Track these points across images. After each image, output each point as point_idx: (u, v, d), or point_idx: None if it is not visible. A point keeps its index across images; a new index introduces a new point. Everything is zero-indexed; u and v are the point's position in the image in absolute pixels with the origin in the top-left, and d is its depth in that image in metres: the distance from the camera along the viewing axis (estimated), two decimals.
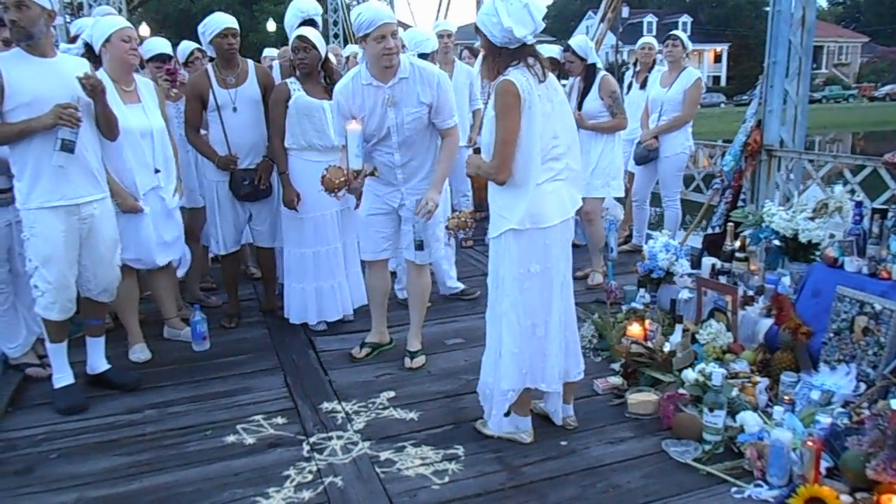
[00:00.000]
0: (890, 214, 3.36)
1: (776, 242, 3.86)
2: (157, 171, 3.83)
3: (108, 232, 3.44)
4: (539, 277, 2.82)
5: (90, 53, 3.79)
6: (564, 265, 2.91)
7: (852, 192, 4.63)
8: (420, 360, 3.83)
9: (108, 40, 3.62)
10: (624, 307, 4.20)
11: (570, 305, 2.98)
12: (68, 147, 3.13)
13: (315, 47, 4.02)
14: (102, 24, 3.70)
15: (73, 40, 4.23)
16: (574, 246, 5.63)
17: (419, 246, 3.61)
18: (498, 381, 2.92)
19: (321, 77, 4.15)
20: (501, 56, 2.73)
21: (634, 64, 6.32)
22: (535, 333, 2.86)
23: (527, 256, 2.80)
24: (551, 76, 2.84)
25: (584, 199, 4.94)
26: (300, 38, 4.02)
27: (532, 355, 2.87)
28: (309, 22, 4.45)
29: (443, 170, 3.59)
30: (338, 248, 4.26)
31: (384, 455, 2.92)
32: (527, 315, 2.84)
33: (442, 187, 3.62)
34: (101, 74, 3.64)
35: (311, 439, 3.07)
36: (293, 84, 4.09)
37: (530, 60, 2.74)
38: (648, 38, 6.26)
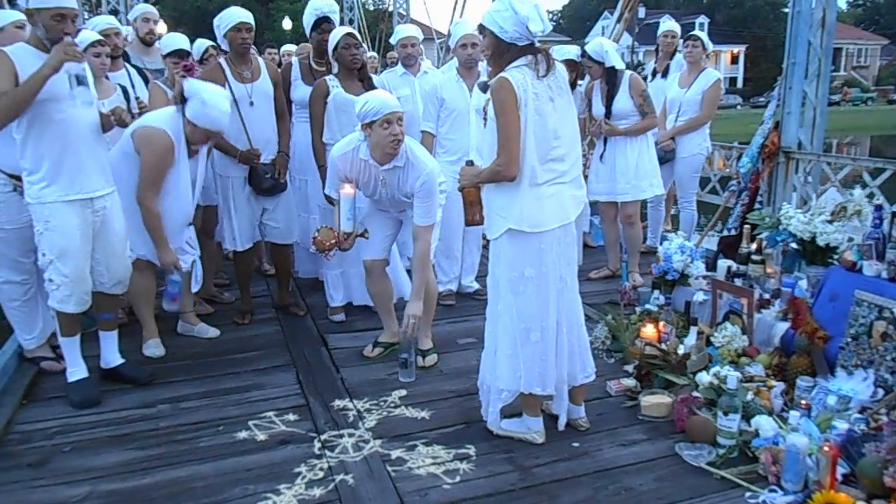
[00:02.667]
0: None
1: (793, 245, 3.82)
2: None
3: (119, 224, 3.47)
4: (534, 282, 2.80)
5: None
6: (566, 270, 2.88)
7: (871, 195, 4.57)
8: (432, 359, 3.83)
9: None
10: (638, 309, 4.17)
11: (573, 309, 2.95)
12: (83, 81, 3.19)
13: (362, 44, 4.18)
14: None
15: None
16: (587, 246, 5.66)
17: (403, 364, 3.61)
18: (494, 379, 2.93)
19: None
20: (509, 53, 2.71)
21: (656, 51, 6.27)
22: (530, 338, 2.84)
23: (521, 260, 2.78)
24: (560, 74, 2.80)
25: (628, 201, 4.99)
26: (350, 34, 4.21)
27: (526, 359, 2.85)
28: (324, 20, 4.48)
29: (420, 279, 3.61)
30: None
31: (395, 453, 2.92)
32: (520, 318, 2.82)
33: (422, 297, 3.64)
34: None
35: (323, 437, 3.07)
36: (332, 81, 4.20)
37: (538, 57, 2.72)
38: (671, 25, 6.17)
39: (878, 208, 3.47)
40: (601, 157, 5.04)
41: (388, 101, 3.42)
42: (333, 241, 3.59)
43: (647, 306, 4.11)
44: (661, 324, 3.77)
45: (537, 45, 2.75)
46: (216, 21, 4.24)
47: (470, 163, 2.97)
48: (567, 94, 2.84)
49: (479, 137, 4.23)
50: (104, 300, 3.53)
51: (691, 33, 5.80)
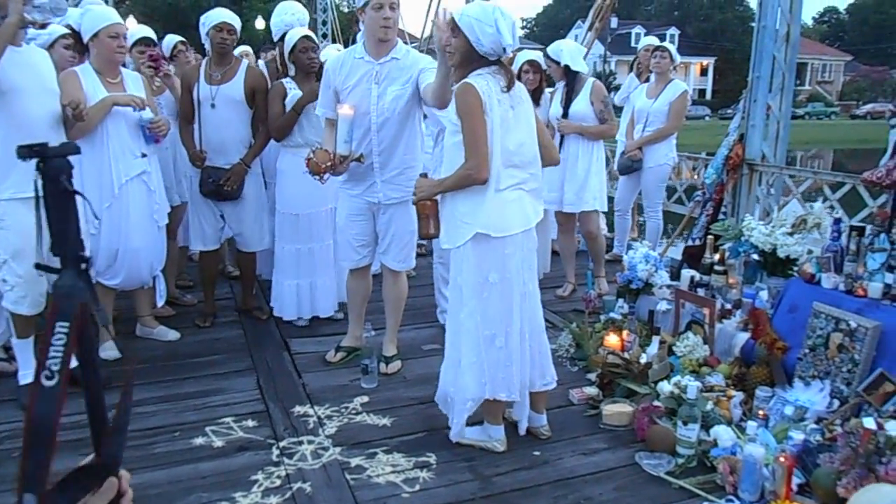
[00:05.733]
0: (867, 232, 3.37)
1: (755, 256, 3.87)
2: (143, 155, 3.72)
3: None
4: (498, 287, 2.79)
5: (76, 41, 3.74)
6: (528, 275, 2.88)
7: (831, 208, 4.65)
8: (395, 366, 3.79)
9: (95, 35, 3.57)
10: (602, 317, 4.19)
11: (534, 315, 2.95)
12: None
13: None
14: (92, 16, 3.62)
15: (42, 26, 4.17)
16: (555, 253, 5.68)
17: (365, 370, 3.59)
18: (458, 390, 2.90)
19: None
20: (477, 63, 2.73)
21: (635, 63, 6.38)
22: (495, 343, 2.83)
23: (485, 265, 2.78)
24: (519, 87, 2.84)
25: (580, 215, 4.96)
26: (307, 37, 4.15)
27: (491, 365, 2.84)
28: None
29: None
30: (330, 244, 4.27)
31: (355, 461, 2.88)
32: (485, 325, 2.81)
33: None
34: (87, 67, 3.62)
35: (282, 443, 3.02)
36: (289, 84, 4.17)
37: (503, 70, 2.76)
38: (650, 39, 6.45)
39: (837, 222, 3.53)
40: None
41: None
42: (329, 164, 3.39)
43: (611, 315, 4.12)
44: (625, 333, 3.79)
45: (502, 59, 2.78)
46: (202, 19, 4.22)
47: (424, 175, 2.96)
48: (527, 102, 2.87)
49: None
50: None
51: (660, 44, 5.87)
